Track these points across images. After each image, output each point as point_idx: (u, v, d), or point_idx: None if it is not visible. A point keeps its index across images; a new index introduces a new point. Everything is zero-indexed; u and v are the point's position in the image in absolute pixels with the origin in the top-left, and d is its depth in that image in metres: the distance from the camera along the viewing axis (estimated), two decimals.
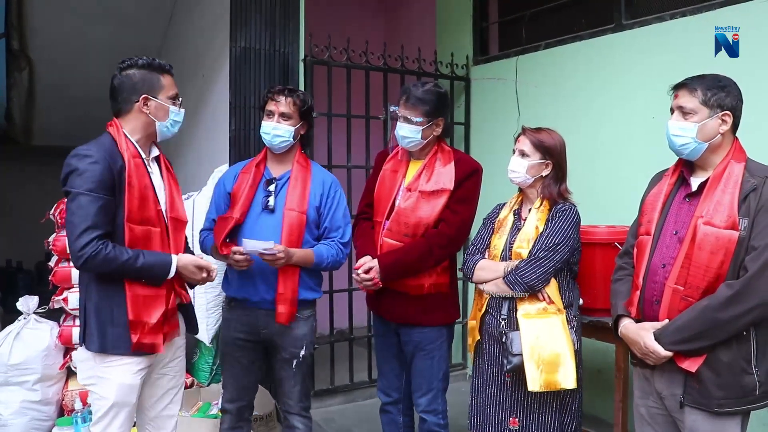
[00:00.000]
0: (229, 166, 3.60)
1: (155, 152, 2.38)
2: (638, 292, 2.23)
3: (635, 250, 2.30)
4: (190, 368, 4.04)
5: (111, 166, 2.13)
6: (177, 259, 2.26)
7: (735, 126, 2.14)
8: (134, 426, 2.40)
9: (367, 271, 2.71)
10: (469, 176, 2.77)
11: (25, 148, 7.22)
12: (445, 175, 2.74)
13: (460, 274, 2.89)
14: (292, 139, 2.73)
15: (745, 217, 2.02)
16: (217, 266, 2.49)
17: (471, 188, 2.79)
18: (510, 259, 2.58)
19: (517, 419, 2.56)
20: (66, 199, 2.16)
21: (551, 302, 2.50)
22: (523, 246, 2.54)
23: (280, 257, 2.55)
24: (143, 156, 2.27)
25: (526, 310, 2.51)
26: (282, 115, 2.71)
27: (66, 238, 3.42)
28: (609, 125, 3.86)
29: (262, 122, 2.75)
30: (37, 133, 7.02)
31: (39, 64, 6.20)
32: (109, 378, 2.21)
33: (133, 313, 2.18)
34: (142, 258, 2.16)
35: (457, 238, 2.78)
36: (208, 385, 3.94)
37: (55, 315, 3.69)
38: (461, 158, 2.84)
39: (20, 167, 7.32)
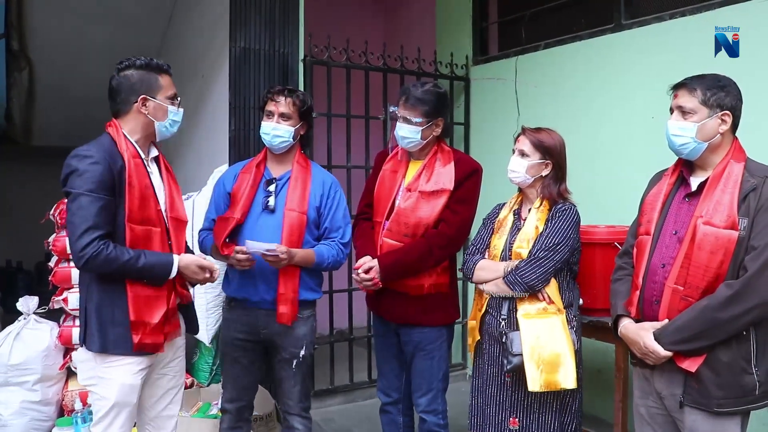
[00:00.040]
0: (229, 166, 3.60)
1: (154, 152, 2.38)
2: (638, 292, 2.23)
3: (635, 250, 2.30)
4: (190, 368, 4.04)
5: (111, 167, 2.13)
6: (179, 259, 2.26)
7: (735, 126, 2.14)
8: (134, 426, 2.39)
9: (367, 271, 2.71)
10: (469, 176, 2.77)
11: (24, 149, 7.21)
12: (444, 176, 2.74)
13: (460, 274, 2.89)
14: (291, 140, 2.73)
15: (745, 217, 2.02)
16: (219, 267, 2.48)
17: (471, 188, 2.79)
18: (510, 259, 2.58)
19: (517, 419, 2.56)
20: (66, 200, 2.16)
21: (551, 302, 2.50)
22: (523, 246, 2.54)
23: (283, 258, 2.56)
24: (143, 156, 2.27)
25: (526, 310, 2.51)
26: (282, 115, 2.71)
27: (66, 238, 3.51)
28: (609, 125, 3.87)
29: (262, 123, 2.75)
30: (36, 133, 7.01)
31: (39, 64, 6.20)
32: (110, 378, 2.21)
33: (134, 314, 2.18)
34: (144, 258, 2.16)
35: (457, 238, 2.78)
36: (208, 385, 3.94)
37: (54, 315, 3.68)
38: (461, 158, 2.84)
39: (20, 167, 7.32)
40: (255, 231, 2.68)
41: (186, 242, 2.51)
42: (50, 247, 3.65)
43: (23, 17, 5.79)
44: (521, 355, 2.45)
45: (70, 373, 3.59)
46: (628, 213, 2.54)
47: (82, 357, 2.30)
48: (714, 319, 2.01)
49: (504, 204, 2.78)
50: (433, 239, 2.71)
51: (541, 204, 2.58)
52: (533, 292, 2.50)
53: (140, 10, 5.62)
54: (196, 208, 3.73)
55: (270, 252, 2.53)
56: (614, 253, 2.59)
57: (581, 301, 2.75)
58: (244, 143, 3.87)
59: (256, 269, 2.65)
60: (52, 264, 3.71)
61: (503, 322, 2.56)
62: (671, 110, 2.20)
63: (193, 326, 2.53)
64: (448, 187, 2.72)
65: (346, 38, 4.32)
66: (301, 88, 4.03)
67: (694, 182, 2.18)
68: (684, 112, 2.13)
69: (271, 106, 2.73)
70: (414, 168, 2.82)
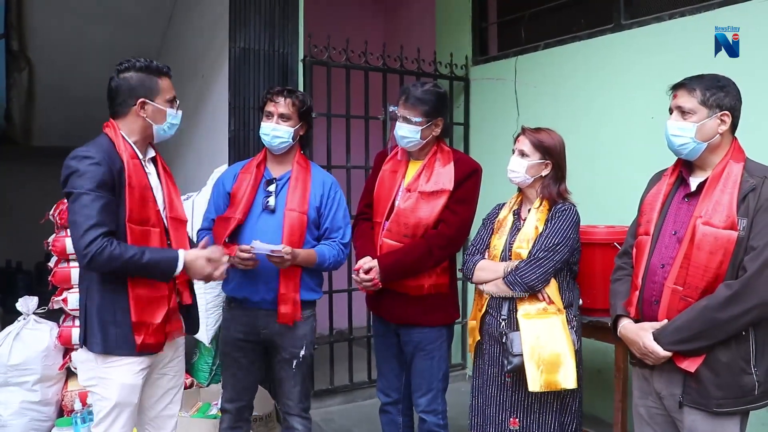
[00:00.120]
0: (229, 166, 3.60)
1: (151, 153, 2.37)
2: (637, 292, 2.23)
3: (634, 250, 2.31)
4: (190, 369, 4.04)
5: (111, 168, 2.13)
6: (184, 254, 2.23)
7: (734, 126, 2.14)
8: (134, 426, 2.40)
9: (367, 272, 2.71)
10: (469, 176, 2.77)
11: (24, 149, 7.21)
12: (444, 176, 2.74)
13: (459, 275, 2.90)
14: (291, 140, 2.73)
15: (744, 217, 2.02)
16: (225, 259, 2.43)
17: (470, 189, 2.79)
18: (510, 259, 2.58)
19: (517, 419, 2.56)
20: (67, 201, 2.15)
21: (551, 302, 2.50)
22: (523, 246, 2.54)
23: (287, 259, 2.56)
24: (140, 157, 2.27)
25: (526, 310, 2.51)
26: (281, 116, 2.71)
27: (65, 239, 3.53)
28: (608, 125, 3.87)
29: (262, 123, 2.76)
30: (36, 133, 7.01)
31: (38, 64, 6.20)
32: (111, 378, 2.20)
33: (136, 315, 2.17)
34: (148, 254, 2.14)
35: (456, 238, 2.78)
36: (208, 385, 3.94)
37: (54, 315, 3.68)
38: (461, 158, 2.84)
39: (20, 168, 7.31)
40: (255, 231, 2.68)
41: (189, 238, 2.49)
42: (50, 248, 3.65)
43: (23, 17, 5.79)
44: (521, 355, 2.45)
45: (70, 374, 3.59)
46: (628, 213, 2.54)
47: (82, 358, 2.29)
48: (713, 320, 2.01)
49: (504, 204, 2.78)
50: (432, 240, 2.71)
51: (540, 204, 2.59)
52: (533, 293, 2.50)
53: (140, 10, 5.62)
54: (196, 208, 3.73)
55: (275, 253, 2.53)
56: (614, 253, 2.59)
57: (581, 301, 2.76)
58: (244, 143, 3.88)
59: (256, 269, 2.65)
60: (51, 264, 3.71)
61: (503, 323, 2.56)
62: (670, 110, 2.20)
63: (193, 327, 2.53)
64: (448, 188, 2.72)
65: (346, 38, 4.32)
66: (301, 88, 4.03)
67: (694, 182, 2.18)
68: (683, 113, 2.13)
69: (270, 107, 2.73)
70: (414, 168, 2.82)
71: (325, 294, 4.18)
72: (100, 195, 2.09)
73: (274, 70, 3.98)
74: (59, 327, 3.59)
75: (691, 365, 2.06)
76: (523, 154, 2.58)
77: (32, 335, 3.50)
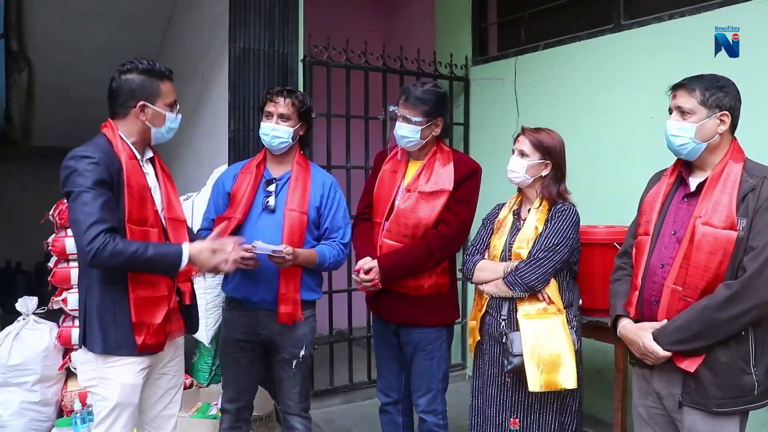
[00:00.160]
0: (228, 166, 3.59)
1: (149, 153, 2.37)
2: (637, 293, 2.23)
3: (634, 250, 2.31)
4: (190, 369, 4.04)
5: (109, 168, 2.13)
6: (189, 247, 2.20)
7: (733, 126, 2.14)
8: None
9: (367, 272, 2.71)
10: (469, 177, 2.77)
11: (24, 149, 7.20)
12: (444, 176, 2.74)
13: (459, 275, 2.89)
14: (291, 140, 2.73)
15: (744, 217, 2.02)
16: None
17: (470, 189, 2.79)
18: (509, 259, 2.58)
19: (517, 420, 2.56)
20: (67, 200, 2.15)
21: (551, 302, 2.50)
22: (523, 246, 2.54)
23: (289, 259, 2.56)
24: (138, 157, 2.27)
25: (526, 310, 2.51)
26: (281, 116, 2.71)
27: (64, 239, 3.53)
28: (608, 125, 3.87)
29: (261, 123, 2.76)
30: (36, 133, 7.00)
31: (38, 64, 6.19)
32: (112, 378, 2.20)
33: (136, 315, 2.17)
34: (152, 249, 2.12)
35: (456, 238, 2.78)
36: (208, 385, 3.94)
37: (54, 316, 3.68)
38: (460, 158, 2.84)
39: (19, 168, 7.31)
40: (256, 231, 2.68)
41: (191, 238, 2.48)
42: (49, 248, 3.65)
43: (22, 17, 5.78)
44: (521, 355, 2.45)
45: (70, 374, 3.59)
46: (628, 213, 2.54)
47: (82, 358, 2.28)
48: (713, 320, 2.01)
49: (504, 204, 2.78)
50: (432, 240, 2.71)
51: (540, 204, 2.59)
52: (533, 293, 2.50)
53: (140, 10, 5.62)
54: (196, 208, 3.73)
55: (276, 253, 2.53)
56: (613, 253, 2.60)
57: (581, 301, 2.76)
58: (244, 144, 3.87)
59: (256, 269, 2.65)
60: (51, 264, 3.71)
61: (503, 323, 2.56)
62: (670, 110, 2.20)
63: (193, 327, 2.52)
64: (448, 188, 2.72)
65: (346, 39, 4.32)
66: (301, 88, 4.03)
67: (693, 182, 2.18)
68: (683, 113, 2.13)
69: (270, 107, 2.73)
70: (413, 168, 2.82)
71: (325, 294, 4.18)
72: (101, 192, 2.08)
73: (274, 70, 3.98)
74: (59, 327, 3.59)
75: (690, 365, 2.06)
76: (522, 154, 2.58)
77: (32, 335, 3.50)
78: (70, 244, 3.51)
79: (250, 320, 2.75)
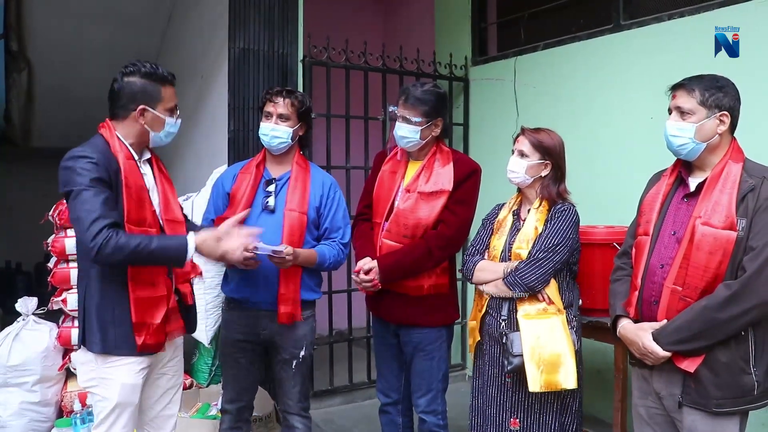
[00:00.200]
0: (228, 167, 3.60)
1: (147, 155, 2.36)
2: (637, 293, 2.23)
3: (633, 250, 2.31)
4: (190, 369, 4.04)
5: (107, 168, 2.13)
6: (194, 237, 2.18)
7: (733, 126, 2.14)
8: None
9: (366, 273, 2.71)
10: (468, 177, 2.77)
11: (24, 150, 7.21)
12: (444, 176, 2.74)
13: (459, 275, 2.89)
14: (290, 141, 2.73)
15: (743, 218, 2.02)
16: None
17: (470, 189, 2.79)
18: (509, 259, 2.58)
19: (517, 420, 2.56)
20: (67, 200, 2.14)
21: (551, 303, 2.50)
22: (523, 246, 2.54)
23: (289, 259, 2.56)
24: (136, 158, 2.27)
25: (526, 310, 2.51)
26: (280, 116, 2.71)
27: (64, 239, 3.53)
28: (608, 125, 3.87)
29: (261, 123, 2.76)
30: (36, 134, 7.00)
31: (38, 65, 6.19)
32: (112, 378, 2.20)
33: (136, 315, 2.17)
34: (156, 241, 2.13)
35: (456, 239, 2.78)
36: (207, 386, 3.94)
37: (53, 316, 3.68)
38: (460, 159, 2.84)
39: (19, 169, 7.31)
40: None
41: (195, 226, 2.46)
42: (49, 248, 3.65)
43: (22, 18, 5.78)
44: (521, 355, 2.45)
45: (69, 374, 3.59)
46: (627, 213, 2.54)
47: (81, 359, 2.28)
48: (713, 320, 2.01)
49: (503, 204, 2.78)
50: (432, 240, 2.71)
51: (540, 204, 2.59)
52: (533, 293, 2.50)
53: (140, 10, 5.62)
54: (195, 208, 3.73)
55: (276, 253, 2.53)
56: (613, 253, 2.60)
57: (581, 301, 2.76)
58: (243, 144, 3.87)
59: (256, 270, 2.65)
60: (51, 265, 3.71)
61: (503, 323, 2.56)
62: (669, 111, 2.20)
63: (191, 326, 2.52)
64: (447, 188, 2.72)
65: (345, 39, 4.32)
66: (300, 88, 4.03)
67: (693, 183, 2.18)
68: (682, 113, 2.13)
69: (269, 107, 2.73)
70: (413, 168, 2.82)
71: (325, 294, 4.18)
72: (101, 190, 2.09)
73: (273, 70, 3.98)
74: (59, 328, 3.59)
75: (690, 365, 2.06)
76: (522, 154, 2.58)
77: (32, 336, 3.50)
78: (69, 244, 3.51)
79: (250, 321, 2.75)
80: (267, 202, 2.71)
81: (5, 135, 7.13)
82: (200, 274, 2.53)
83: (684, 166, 2.23)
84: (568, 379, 2.43)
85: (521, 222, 2.63)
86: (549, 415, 2.55)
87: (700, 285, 2.05)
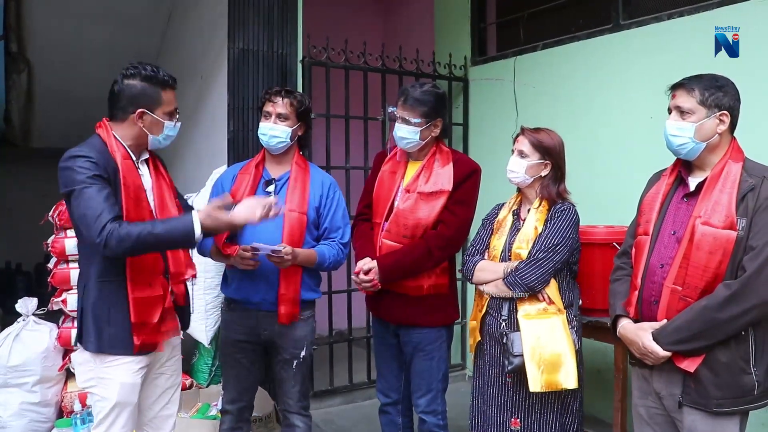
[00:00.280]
0: (227, 167, 3.60)
1: (145, 155, 2.36)
2: (636, 292, 2.23)
3: (633, 250, 2.31)
4: (190, 369, 4.04)
5: (106, 167, 2.14)
6: (197, 214, 2.14)
7: (733, 126, 2.14)
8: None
9: (366, 273, 2.71)
10: (468, 177, 2.77)
11: (24, 150, 7.22)
12: (443, 176, 2.74)
13: (459, 275, 2.89)
14: (289, 140, 2.73)
15: (743, 217, 2.02)
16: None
17: (470, 189, 2.79)
18: (509, 259, 2.58)
19: (518, 420, 2.56)
20: (69, 200, 2.15)
21: (551, 303, 2.50)
22: (523, 246, 2.54)
23: (288, 259, 2.56)
24: (134, 158, 2.27)
25: (526, 310, 2.51)
26: (279, 115, 2.71)
27: (64, 240, 3.53)
28: (607, 125, 3.87)
29: (260, 123, 2.76)
30: (36, 134, 7.01)
31: (38, 66, 6.20)
32: (111, 378, 2.21)
33: (136, 315, 2.18)
34: (160, 224, 2.12)
35: (456, 239, 2.78)
36: (207, 386, 3.94)
37: (54, 316, 3.69)
38: (460, 159, 2.84)
39: (19, 169, 7.32)
40: (256, 231, 2.67)
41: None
42: (49, 249, 3.65)
43: (22, 18, 5.78)
44: (522, 355, 2.45)
45: (70, 375, 3.59)
46: (627, 213, 2.54)
47: (80, 359, 2.29)
48: (713, 320, 2.01)
49: (503, 204, 2.77)
50: (431, 240, 2.71)
51: (540, 204, 2.58)
52: (533, 293, 2.50)
53: (140, 10, 5.62)
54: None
55: (276, 253, 2.53)
56: (613, 253, 2.59)
57: (581, 301, 2.75)
58: (243, 144, 3.88)
59: (257, 270, 2.65)
60: (51, 265, 3.71)
61: (504, 323, 2.55)
62: (669, 110, 2.20)
63: (184, 324, 2.52)
64: (447, 188, 2.72)
65: (345, 39, 4.32)
66: (300, 89, 4.03)
67: (693, 182, 2.18)
68: (682, 113, 2.13)
69: (268, 107, 2.73)
70: (413, 169, 2.82)
71: (325, 294, 4.18)
72: (102, 186, 2.09)
73: (273, 70, 3.98)
74: (59, 328, 3.59)
75: (690, 365, 2.06)
76: (522, 154, 2.57)
77: (32, 336, 3.50)
78: (69, 245, 3.52)
79: (250, 321, 2.75)
80: None
81: (5, 136, 7.14)
82: (194, 276, 2.52)
83: (684, 166, 2.23)
84: (568, 379, 2.43)
85: (521, 222, 2.63)
86: (550, 415, 2.55)
87: (700, 285, 2.05)
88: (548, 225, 2.52)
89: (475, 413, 2.71)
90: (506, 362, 2.51)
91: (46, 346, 3.49)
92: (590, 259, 2.94)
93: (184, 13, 5.44)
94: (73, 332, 3.40)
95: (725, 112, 2.10)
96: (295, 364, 2.76)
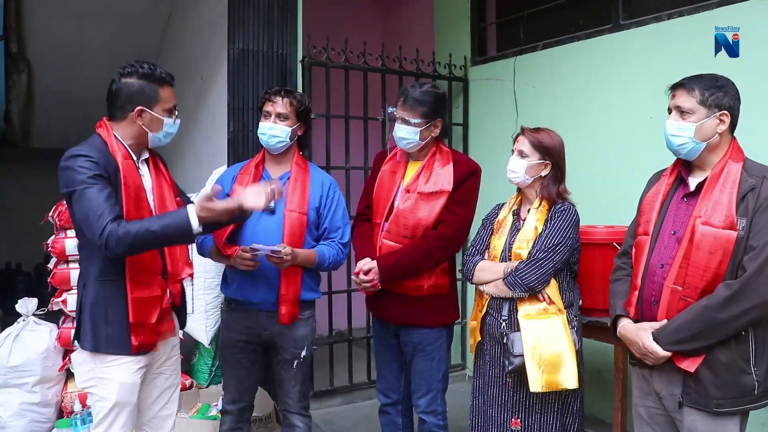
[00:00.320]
0: (228, 167, 3.60)
1: (145, 154, 2.36)
2: (637, 293, 2.23)
3: (633, 250, 2.30)
4: (190, 370, 4.04)
5: (106, 167, 2.14)
6: (192, 208, 2.11)
7: (733, 126, 2.14)
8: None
9: (366, 273, 2.71)
10: (468, 177, 2.77)
11: (24, 151, 7.22)
12: (443, 176, 2.74)
13: (459, 275, 2.89)
14: (288, 140, 2.73)
15: (744, 217, 2.02)
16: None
17: (470, 189, 2.79)
18: (509, 259, 2.58)
19: (519, 420, 2.56)
20: (69, 200, 2.15)
21: (551, 303, 2.50)
22: (523, 246, 2.54)
23: (287, 259, 2.56)
24: (134, 158, 2.27)
25: (526, 310, 2.51)
26: (278, 115, 2.70)
27: (64, 240, 3.53)
28: (607, 125, 3.87)
29: (260, 123, 2.75)
30: (36, 135, 7.01)
31: (38, 66, 6.20)
32: (110, 378, 2.21)
33: (134, 316, 2.18)
34: (157, 221, 2.11)
35: (456, 239, 2.77)
36: (207, 386, 3.94)
37: (54, 317, 3.68)
38: (460, 159, 2.84)
39: (19, 169, 7.32)
40: (256, 232, 2.68)
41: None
42: (49, 249, 3.65)
43: (22, 19, 5.78)
44: (522, 355, 2.45)
45: (70, 375, 3.58)
46: (627, 213, 2.54)
47: (78, 359, 2.29)
48: (713, 320, 2.01)
49: (503, 204, 2.77)
50: (432, 240, 2.71)
51: (540, 204, 2.58)
52: (533, 293, 2.50)
53: (140, 10, 5.62)
54: None
55: (275, 253, 2.53)
56: (613, 253, 2.59)
57: (581, 301, 2.75)
58: (243, 145, 3.88)
59: (257, 270, 2.65)
60: (51, 266, 3.71)
61: (504, 323, 2.55)
62: (669, 110, 2.20)
63: (180, 323, 2.52)
64: (447, 188, 2.72)
65: (345, 39, 4.32)
66: (300, 89, 4.03)
67: (693, 182, 2.18)
68: (682, 112, 2.13)
69: (268, 107, 2.73)
70: (413, 169, 2.82)
71: (325, 295, 4.18)
72: (103, 186, 2.10)
73: (272, 71, 3.98)
74: (59, 328, 3.59)
75: (690, 365, 2.06)
76: (522, 154, 2.57)
77: (32, 337, 3.50)
78: (69, 245, 3.51)
79: (251, 321, 2.74)
80: None
81: (5, 136, 7.14)
82: (191, 275, 2.52)
83: (684, 166, 2.23)
84: (569, 379, 2.42)
85: (521, 222, 2.62)
86: (550, 415, 2.55)
87: (700, 285, 2.05)
88: (548, 225, 2.52)
89: (475, 413, 2.71)
90: (507, 362, 2.51)
91: (46, 346, 3.48)
92: (590, 259, 2.94)
93: (184, 13, 5.44)
94: (73, 332, 3.42)
95: (725, 111, 2.10)
96: (295, 364, 2.76)
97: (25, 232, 5.60)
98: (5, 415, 3.39)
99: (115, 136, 2.23)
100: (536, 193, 2.60)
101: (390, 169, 2.89)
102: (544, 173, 2.58)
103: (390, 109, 2.83)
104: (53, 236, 3.67)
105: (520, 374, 2.49)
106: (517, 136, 2.63)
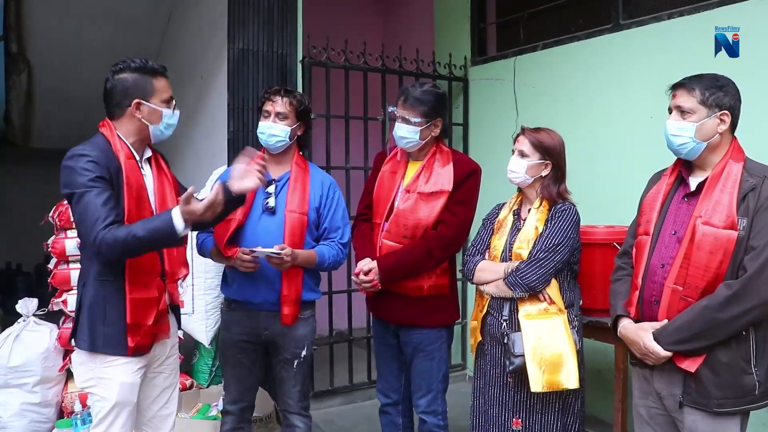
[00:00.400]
0: (227, 167, 3.59)
1: (148, 153, 2.36)
2: (637, 292, 2.23)
3: (634, 250, 2.30)
4: (190, 370, 4.04)
5: (108, 167, 2.13)
6: (177, 209, 2.09)
7: (733, 126, 2.14)
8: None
9: (366, 273, 2.71)
10: (468, 177, 2.77)
11: (24, 151, 7.21)
12: (443, 176, 2.74)
13: (460, 275, 2.89)
14: (288, 140, 2.73)
15: (744, 217, 2.02)
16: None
17: (470, 189, 2.79)
18: (510, 259, 2.58)
19: (519, 420, 2.56)
20: (70, 201, 2.15)
21: (552, 303, 2.50)
22: (523, 246, 2.54)
23: (287, 260, 2.56)
24: (137, 157, 2.27)
25: (527, 311, 2.51)
26: (278, 114, 2.70)
27: (64, 240, 3.53)
28: (607, 125, 3.87)
29: (259, 122, 2.75)
30: (36, 135, 7.00)
31: (38, 66, 6.19)
32: (110, 378, 2.21)
33: (132, 316, 2.18)
34: (140, 225, 2.09)
35: (456, 239, 2.77)
36: (208, 386, 3.94)
37: (54, 317, 3.68)
38: (460, 159, 2.84)
39: (19, 170, 7.32)
40: (256, 232, 2.68)
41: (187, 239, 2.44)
42: (49, 249, 3.65)
43: (22, 19, 5.78)
44: (523, 355, 2.45)
45: (70, 375, 3.58)
46: (628, 213, 2.54)
47: (78, 359, 2.29)
48: (713, 320, 2.01)
49: (504, 204, 2.77)
50: (432, 241, 2.71)
51: (540, 204, 2.58)
52: (534, 293, 2.50)
53: (139, 11, 5.62)
54: None
55: (275, 254, 2.53)
56: (614, 253, 2.59)
57: (581, 301, 2.75)
58: (243, 145, 3.84)
59: (258, 271, 2.65)
60: (51, 266, 3.71)
61: (505, 323, 2.55)
62: (670, 110, 2.19)
63: (178, 322, 2.52)
64: (447, 188, 2.72)
65: (345, 39, 4.32)
66: (300, 89, 4.03)
67: (693, 182, 2.18)
68: (683, 112, 2.13)
69: (268, 106, 2.73)
70: (413, 169, 2.82)
71: (325, 295, 4.18)
72: (102, 189, 2.09)
73: (272, 71, 3.98)
74: (59, 328, 3.59)
75: (691, 365, 2.06)
76: (522, 154, 2.57)
77: (32, 337, 3.49)
78: (69, 245, 3.51)
79: (251, 321, 2.74)
80: (267, 203, 2.71)
81: (5, 136, 7.13)
82: (186, 275, 2.52)
83: (684, 166, 2.23)
84: (569, 379, 2.42)
85: (522, 222, 2.62)
86: (551, 415, 2.55)
87: (700, 285, 2.05)
88: (549, 225, 2.52)
89: (476, 413, 2.71)
90: (507, 362, 2.51)
91: (47, 346, 3.48)
92: (591, 259, 2.94)
93: (184, 13, 5.44)
94: (71, 331, 3.42)
95: (726, 111, 2.10)
96: (295, 363, 2.76)
97: (25, 232, 5.59)
98: (6, 416, 3.39)
99: (118, 135, 2.22)
100: (537, 193, 2.60)
101: (390, 169, 2.89)
102: (544, 173, 2.58)
103: (390, 109, 2.83)
104: (53, 236, 3.67)
105: (520, 374, 2.49)
106: (518, 136, 2.63)
